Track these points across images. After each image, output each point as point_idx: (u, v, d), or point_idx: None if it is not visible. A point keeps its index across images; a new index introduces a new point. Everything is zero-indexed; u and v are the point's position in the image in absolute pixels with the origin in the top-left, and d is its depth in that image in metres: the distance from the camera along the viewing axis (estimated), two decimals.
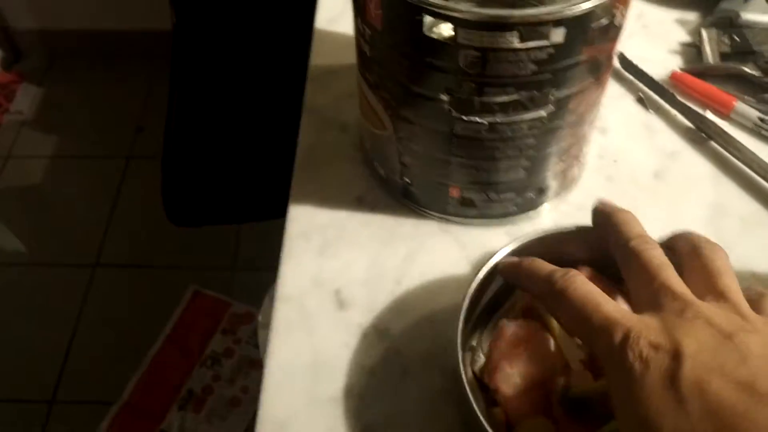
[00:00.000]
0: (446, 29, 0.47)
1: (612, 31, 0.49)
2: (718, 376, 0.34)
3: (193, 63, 1.29)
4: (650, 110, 0.72)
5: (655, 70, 0.74)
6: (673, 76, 0.73)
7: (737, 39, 0.74)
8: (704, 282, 0.41)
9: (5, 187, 2.15)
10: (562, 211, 0.64)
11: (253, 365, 1.75)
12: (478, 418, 0.42)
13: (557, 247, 0.50)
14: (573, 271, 0.43)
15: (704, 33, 0.75)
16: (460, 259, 0.61)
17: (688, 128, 0.70)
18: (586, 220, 0.63)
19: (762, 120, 0.68)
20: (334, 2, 0.82)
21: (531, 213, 0.63)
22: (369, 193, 0.65)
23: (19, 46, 2.46)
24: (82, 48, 2.42)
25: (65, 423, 1.71)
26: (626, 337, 0.37)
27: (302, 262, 0.61)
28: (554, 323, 0.48)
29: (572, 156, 0.60)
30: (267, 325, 1.28)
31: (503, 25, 0.44)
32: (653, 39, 0.79)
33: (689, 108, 0.70)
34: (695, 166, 0.67)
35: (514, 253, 0.50)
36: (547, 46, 0.46)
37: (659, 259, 0.42)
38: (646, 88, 0.73)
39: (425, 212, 0.63)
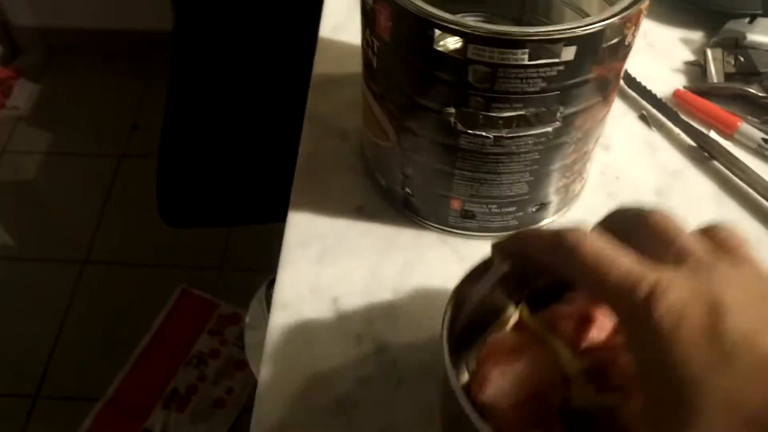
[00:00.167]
0: (452, 42, 0.47)
1: (621, 51, 0.49)
2: None
3: (193, 64, 1.29)
4: (653, 128, 0.72)
5: (659, 88, 0.74)
6: (677, 95, 0.73)
7: (742, 60, 0.74)
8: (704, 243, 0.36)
9: None
10: (560, 225, 0.64)
11: (239, 366, 1.74)
12: (471, 416, 0.37)
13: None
14: (583, 228, 0.37)
15: (709, 52, 0.75)
16: (459, 271, 0.60)
17: (691, 147, 0.70)
18: None
19: (766, 141, 0.68)
20: (339, 10, 0.81)
21: (531, 227, 0.63)
22: (369, 203, 0.65)
23: (17, 42, 2.47)
24: (80, 46, 2.42)
25: (49, 418, 1.70)
26: (652, 290, 0.31)
27: (300, 270, 0.60)
28: (550, 336, 0.45)
29: (576, 172, 0.60)
30: (254, 326, 1.28)
31: (514, 42, 0.44)
32: (658, 57, 0.79)
33: (692, 127, 0.70)
34: (697, 186, 0.67)
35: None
36: (557, 64, 0.46)
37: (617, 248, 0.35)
38: (649, 106, 0.73)
39: (425, 223, 0.63)
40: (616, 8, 0.45)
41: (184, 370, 1.75)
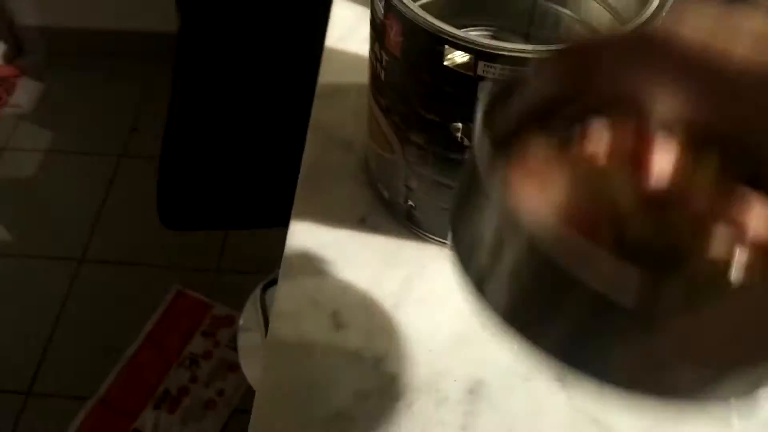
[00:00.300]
0: (459, 56, 0.47)
1: None
2: None
3: (197, 68, 1.28)
4: None
5: None
6: None
7: None
8: None
9: None
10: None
11: (231, 368, 1.73)
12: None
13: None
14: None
15: None
16: (460, 286, 0.60)
17: None
18: None
19: None
20: (346, 20, 0.81)
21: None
22: (371, 214, 0.64)
23: (21, 41, 2.46)
24: (83, 46, 2.41)
25: (40, 416, 1.69)
26: None
27: (301, 281, 0.60)
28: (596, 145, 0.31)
29: None
30: (247, 329, 1.27)
31: (524, 60, 0.44)
32: None
33: None
34: None
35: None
36: None
37: None
38: None
39: (427, 236, 0.63)
40: (627, 29, 0.45)
41: (176, 371, 1.74)
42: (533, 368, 0.56)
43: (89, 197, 2.07)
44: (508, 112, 0.32)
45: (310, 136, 0.70)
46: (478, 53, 0.44)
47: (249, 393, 1.61)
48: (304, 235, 0.63)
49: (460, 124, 0.50)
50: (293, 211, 0.64)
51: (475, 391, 0.54)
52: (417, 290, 0.60)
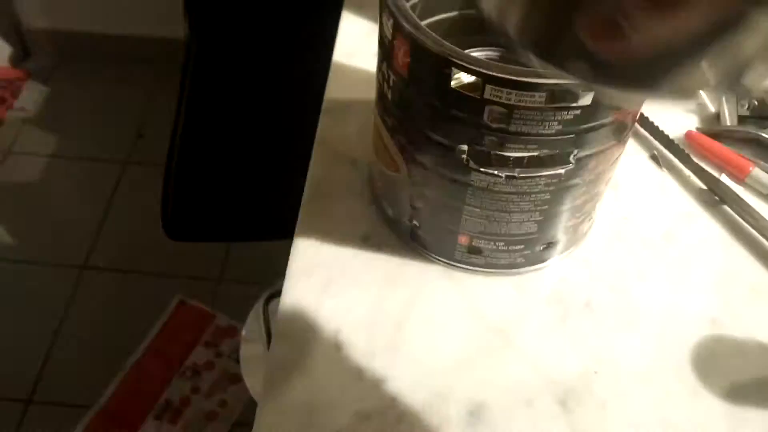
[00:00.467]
0: (467, 77, 0.47)
1: None
2: None
3: (203, 77, 1.28)
4: (664, 169, 0.71)
5: (671, 129, 0.73)
6: (689, 136, 0.73)
7: (756, 103, 0.73)
8: None
9: (1, 182, 2.14)
10: (569, 265, 0.63)
11: (233, 380, 1.73)
12: None
13: None
14: None
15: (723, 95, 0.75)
16: (463, 308, 0.60)
17: (702, 190, 0.69)
18: (592, 276, 0.63)
19: None
20: (353, 36, 0.81)
21: (538, 265, 0.62)
22: (375, 233, 0.64)
23: (28, 44, 2.47)
24: (90, 50, 2.42)
25: (41, 424, 1.68)
26: None
27: (303, 299, 0.60)
28: None
29: (585, 213, 0.59)
30: (250, 340, 1.27)
31: (532, 85, 0.44)
32: None
33: (704, 170, 0.69)
34: (707, 230, 0.67)
35: None
36: (574, 108, 0.45)
37: None
38: (660, 146, 0.73)
39: (431, 256, 0.62)
40: None
41: (177, 382, 1.73)
42: (534, 392, 0.55)
43: (93, 203, 2.06)
44: None
45: (315, 151, 0.70)
46: (485, 77, 0.44)
47: (251, 405, 1.61)
48: (307, 253, 0.63)
49: (466, 147, 0.50)
50: (297, 228, 0.64)
51: (476, 413, 0.54)
52: (420, 310, 0.60)
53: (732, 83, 0.26)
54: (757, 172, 0.69)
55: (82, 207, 2.08)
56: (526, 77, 0.43)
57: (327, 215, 0.65)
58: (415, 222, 0.61)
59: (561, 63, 0.28)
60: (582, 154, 0.50)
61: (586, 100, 0.45)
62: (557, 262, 0.63)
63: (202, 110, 1.30)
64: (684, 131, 0.74)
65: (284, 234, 0.66)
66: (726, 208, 0.67)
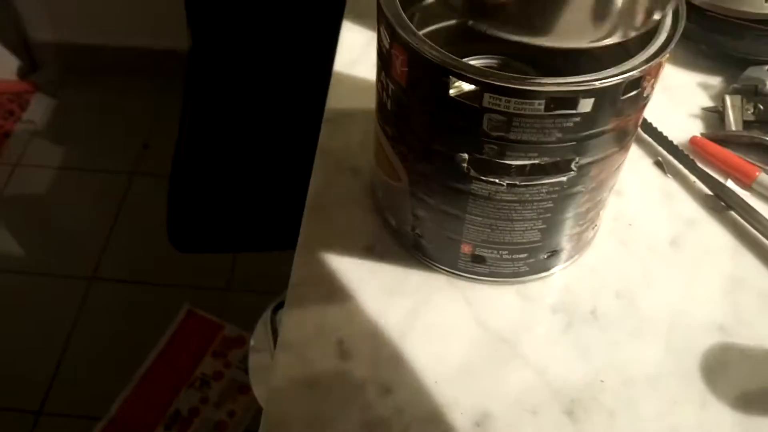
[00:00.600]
0: (466, 84, 0.46)
1: (640, 102, 0.48)
2: None
3: (207, 88, 1.29)
4: (668, 175, 0.71)
5: (676, 134, 0.73)
6: (693, 141, 0.72)
7: (761, 108, 0.73)
8: None
9: (10, 194, 2.15)
10: (574, 273, 0.63)
11: (242, 390, 1.73)
12: None
13: None
14: None
15: (728, 99, 0.74)
16: (468, 317, 0.60)
17: (707, 196, 0.68)
18: (597, 284, 0.62)
19: None
20: (354, 45, 0.81)
21: (542, 274, 0.62)
22: (378, 242, 0.64)
23: (36, 57, 2.48)
24: (96, 63, 2.43)
25: None
26: None
27: (306, 309, 0.60)
28: None
29: (589, 220, 0.59)
30: (258, 350, 1.27)
31: (531, 93, 0.43)
32: (675, 102, 0.78)
33: (709, 175, 0.69)
34: (713, 236, 0.66)
35: None
36: (573, 115, 0.45)
37: None
38: (665, 152, 0.72)
39: (434, 266, 0.62)
40: (636, 61, 0.45)
41: (187, 392, 1.73)
42: (541, 401, 0.55)
43: (101, 215, 2.07)
44: None
45: (317, 161, 0.70)
46: (483, 85, 0.44)
47: (259, 415, 1.60)
48: (310, 263, 0.62)
49: (466, 155, 0.49)
50: (300, 238, 0.64)
51: (481, 423, 0.54)
52: (424, 320, 0.59)
53: None
54: (763, 177, 0.68)
55: (90, 218, 2.08)
56: (524, 85, 0.43)
57: (329, 225, 0.65)
58: (417, 231, 0.60)
59: None
60: (583, 161, 0.49)
61: (586, 107, 0.44)
62: (562, 270, 0.62)
63: (206, 121, 1.31)
64: (689, 137, 0.73)
65: (290, 244, 0.66)
66: (732, 214, 0.67)
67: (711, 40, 0.78)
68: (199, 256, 1.83)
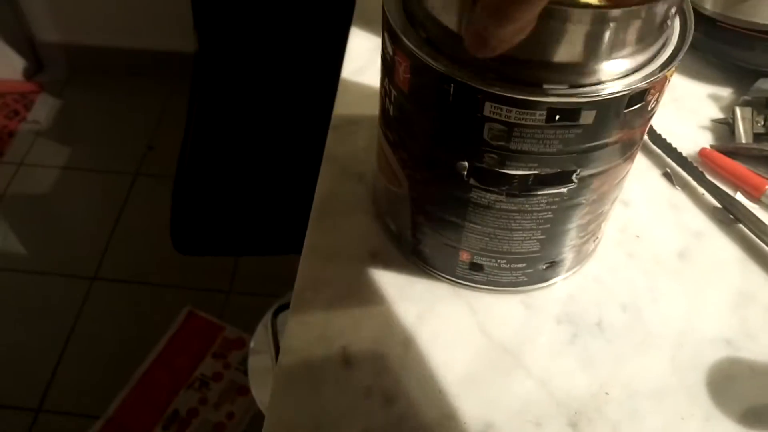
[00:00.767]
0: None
1: (644, 116, 0.48)
2: None
3: (213, 91, 1.28)
4: (677, 187, 0.70)
5: (685, 146, 0.72)
6: (702, 153, 0.72)
7: None
8: None
9: (14, 193, 2.15)
10: (580, 284, 0.62)
11: (241, 391, 1.73)
12: None
13: None
14: None
15: (738, 111, 0.73)
16: (471, 326, 0.59)
17: (716, 208, 0.68)
18: (603, 295, 0.62)
19: None
20: (362, 53, 0.80)
21: (541, 284, 0.61)
22: (383, 250, 0.63)
23: (41, 58, 2.49)
24: (101, 63, 2.44)
25: None
26: None
27: (310, 315, 0.59)
28: None
29: (590, 232, 0.58)
30: (258, 352, 1.27)
31: (532, 103, 0.43)
32: (684, 113, 0.77)
33: (718, 188, 0.68)
34: (722, 249, 0.65)
35: None
36: (575, 127, 0.44)
37: None
38: (673, 164, 0.71)
39: (434, 272, 0.62)
40: (641, 74, 0.44)
41: (186, 393, 1.74)
42: (544, 413, 0.54)
43: (104, 215, 2.08)
44: None
45: (323, 167, 0.69)
46: (483, 94, 0.43)
47: (258, 417, 1.61)
48: (315, 269, 0.62)
49: (466, 163, 0.49)
50: (305, 244, 0.64)
51: None
52: (428, 328, 0.59)
53: None
54: None
55: (93, 218, 2.09)
56: (525, 95, 0.42)
57: (334, 232, 0.65)
58: (416, 237, 0.60)
59: None
60: (585, 173, 0.49)
61: (588, 119, 0.44)
62: (561, 281, 0.62)
63: (211, 124, 1.30)
64: (698, 148, 0.72)
65: (292, 249, 0.65)
66: (741, 226, 0.66)
67: (721, 51, 0.78)
68: (202, 258, 1.84)
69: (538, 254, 0.57)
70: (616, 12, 0.40)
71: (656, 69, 0.44)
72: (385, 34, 0.49)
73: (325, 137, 0.72)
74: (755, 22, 0.73)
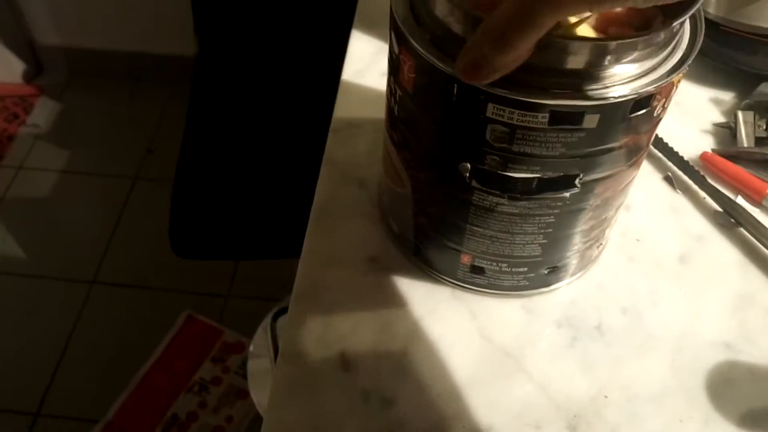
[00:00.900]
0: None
1: (651, 121, 0.47)
2: None
3: (212, 95, 1.28)
4: (678, 190, 0.70)
5: (686, 150, 0.72)
6: (704, 157, 0.71)
7: None
8: None
9: (13, 196, 2.15)
10: (580, 287, 0.62)
11: (240, 395, 1.72)
12: None
13: None
14: None
15: (740, 115, 0.73)
16: (472, 330, 0.59)
17: (717, 212, 0.68)
18: (604, 299, 0.61)
19: None
20: (362, 55, 0.80)
21: (543, 289, 0.61)
22: (383, 254, 0.63)
23: (41, 61, 2.49)
24: (101, 67, 2.44)
25: None
26: None
27: (309, 319, 0.59)
28: None
29: (593, 238, 0.58)
30: (257, 356, 1.26)
31: (534, 105, 0.42)
32: (686, 117, 0.77)
33: (719, 191, 0.68)
34: (722, 253, 0.65)
35: None
36: (578, 130, 0.44)
37: None
38: (674, 167, 0.71)
39: (436, 275, 0.61)
40: (647, 79, 0.44)
41: (185, 396, 1.73)
42: (544, 416, 0.54)
43: (103, 219, 2.08)
44: None
45: (323, 171, 0.69)
46: (486, 95, 0.43)
47: (257, 420, 1.60)
48: (314, 273, 0.62)
49: (468, 165, 0.49)
50: (304, 248, 0.63)
51: None
52: (428, 332, 0.59)
53: None
54: None
55: (93, 222, 2.09)
56: (528, 97, 0.42)
57: (334, 236, 0.64)
58: (419, 239, 0.60)
59: None
60: (588, 178, 0.49)
61: (592, 123, 0.43)
62: (563, 286, 0.62)
63: (210, 128, 1.30)
64: (699, 152, 0.72)
65: (292, 253, 0.65)
66: (742, 230, 0.66)
67: (724, 55, 0.77)
68: (201, 262, 1.83)
69: (540, 259, 0.56)
70: (613, 44, 0.41)
71: (663, 74, 0.44)
72: (392, 34, 0.49)
73: (325, 141, 0.72)
74: (759, 26, 0.73)
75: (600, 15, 0.47)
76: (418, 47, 0.45)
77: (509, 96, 0.42)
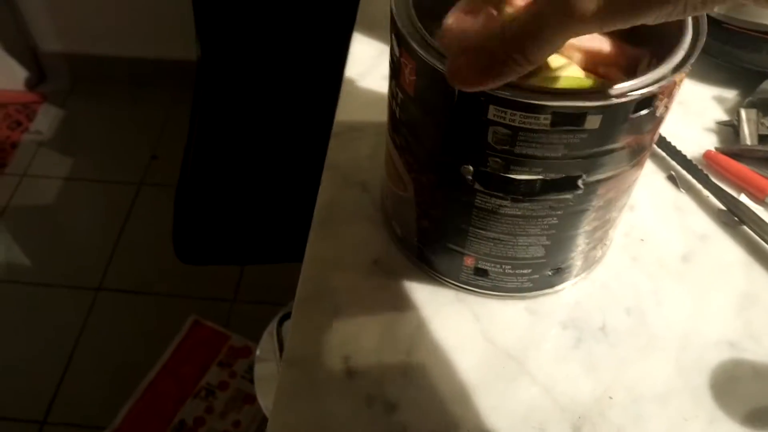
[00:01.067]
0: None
1: (654, 121, 0.47)
2: None
3: (215, 100, 1.28)
4: (681, 189, 0.70)
5: (689, 148, 0.72)
6: (707, 156, 0.71)
7: None
8: None
9: (17, 204, 2.16)
10: (584, 288, 0.62)
11: (247, 400, 1.72)
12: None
13: None
14: None
15: (743, 113, 0.73)
16: (475, 333, 0.59)
17: (721, 211, 0.67)
18: (608, 300, 0.61)
19: None
20: (364, 58, 0.80)
21: (547, 290, 0.61)
22: (386, 257, 0.63)
23: (43, 68, 2.49)
24: (104, 73, 2.44)
25: None
26: None
27: (312, 325, 0.59)
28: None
29: (597, 239, 0.57)
30: (264, 360, 1.27)
31: (536, 107, 0.42)
32: (689, 115, 0.77)
33: (722, 190, 0.68)
34: (726, 251, 0.65)
35: None
36: (580, 131, 0.44)
37: None
38: (678, 166, 0.71)
39: (439, 277, 0.61)
40: (649, 78, 0.44)
41: (192, 402, 1.73)
42: (548, 418, 0.54)
43: (108, 225, 2.08)
44: None
45: (325, 175, 0.69)
46: (487, 97, 0.43)
47: (265, 425, 1.60)
48: (317, 277, 0.62)
49: (470, 167, 0.49)
50: (307, 252, 0.63)
51: None
52: (431, 336, 0.58)
53: None
54: None
55: (97, 229, 2.09)
56: (529, 99, 0.42)
57: (337, 239, 0.64)
58: (422, 242, 0.60)
59: None
60: (591, 179, 0.48)
61: (594, 123, 0.43)
62: (567, 288, 0.61)
63: (214, 133, 1.30)
64: (702, 151, 0.72)
65: (296, 257, 0.65)
66: (745, 228, 0.66)
67: (727, 52, 0.77)
68: (207, 267, 1.83)
69: (544, 260, 0.56)
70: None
71: (666, 73, 0.44)
72: (392, 36, 0.49)
73: (327, 142, 0.72)
74: (762, 24, 0.73)
75: (588, 55, 0.48)
76: (419, 50, 0.45)
77: (511, 98, 0.42)
